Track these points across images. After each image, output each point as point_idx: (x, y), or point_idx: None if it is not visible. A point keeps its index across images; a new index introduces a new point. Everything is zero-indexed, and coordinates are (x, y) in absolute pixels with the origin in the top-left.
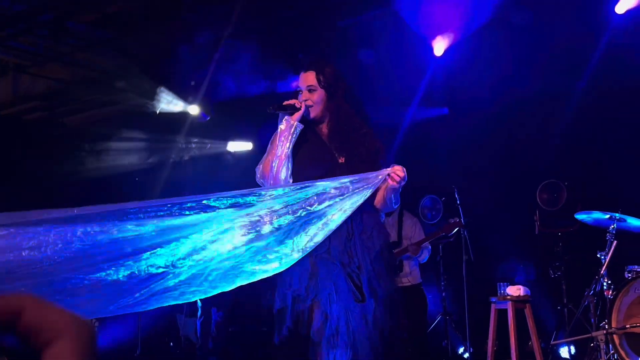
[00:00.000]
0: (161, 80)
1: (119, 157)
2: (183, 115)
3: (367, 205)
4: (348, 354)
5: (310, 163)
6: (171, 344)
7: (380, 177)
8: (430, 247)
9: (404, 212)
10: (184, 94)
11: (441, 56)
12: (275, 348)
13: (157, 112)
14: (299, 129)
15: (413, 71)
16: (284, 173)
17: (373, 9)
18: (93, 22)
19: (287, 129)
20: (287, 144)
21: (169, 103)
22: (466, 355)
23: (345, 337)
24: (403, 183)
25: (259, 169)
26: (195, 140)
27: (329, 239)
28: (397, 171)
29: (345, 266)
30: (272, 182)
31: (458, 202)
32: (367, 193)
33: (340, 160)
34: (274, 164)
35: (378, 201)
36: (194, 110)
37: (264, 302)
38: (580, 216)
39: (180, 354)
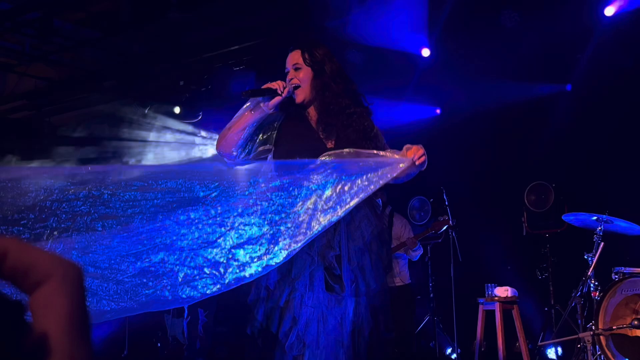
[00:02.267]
0: (149, 80)
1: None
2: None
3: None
4: None
5: (296, 149)
6: (159, 344)
7: (401, 165)
8: (420, 245)
9: (394, 213)
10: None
11: (429, 56)
12: (248, 339)
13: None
14: (261, 116)
15: (402, 72)
16: (236, 144)
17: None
18: (79, 21)
19: (256, 114)
20: (241, 126)
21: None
22: (454, 356)
23: (313, 347)
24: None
25: (217, 142)
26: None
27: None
28: (419, 154)
29: (325, 259)
30: (222, 148)
31: (446, 203)
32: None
33: (329, 145)
34: (228, 133)
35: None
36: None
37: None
38: (568, 218)
39: (168, 354)
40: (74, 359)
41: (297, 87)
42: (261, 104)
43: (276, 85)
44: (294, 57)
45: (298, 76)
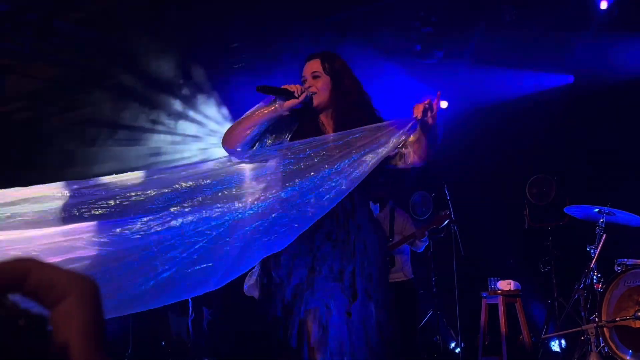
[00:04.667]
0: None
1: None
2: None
3: (358, 197)
4: None
5: None
6: (163, 342)
7: (400, 135)
8: (427, 238)
9: (395, 208)
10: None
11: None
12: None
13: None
14: (275, 116)
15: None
16: (242, 140)
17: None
18: (79, 22)
19: (269, 114)
20: (256, 122)
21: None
22: (457, 350)
23: (347, 348)
24: (435, 114)
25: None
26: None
27: (316, 240)
28: (419, 109)
29: (337, 277)
30: (227, 143)
31: (448, 197)
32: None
33: None
34: (237, 128)
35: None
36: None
37: (257, 309)
38: (570, 210)
39: (172, 352)
40: None
41: (314, 94)
42: (276, 104)
43: (294, 88)
44: (313, 66)
45: (317, 85)
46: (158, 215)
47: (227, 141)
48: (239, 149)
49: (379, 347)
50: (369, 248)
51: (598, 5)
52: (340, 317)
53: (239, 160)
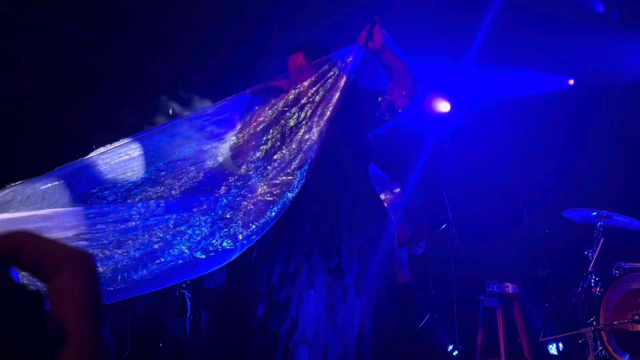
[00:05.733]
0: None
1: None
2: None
3: (358, 170)
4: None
5: None
6: (160, 344)
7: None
8: (424, 242)
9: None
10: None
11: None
12: (249, 335)
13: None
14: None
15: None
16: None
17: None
18: (78, 22)
19: (264, 109)
20: (261, 126)
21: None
22: (455, 353)
23: (316, 346)
24: (378, 37)
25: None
26: None
27: (306, 222)
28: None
29: (325, 249)
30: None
31: (446, 200)
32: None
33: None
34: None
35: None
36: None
37: (242, 285)
38: (568, 213)
39: (170, 354)
40: (90, 342)
41: None
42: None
43: (282, 83)
44: (297, 60)
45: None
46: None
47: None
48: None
49: (356, 342)
50: (370, 233)
51: (596, 8)
52: (315, 309)
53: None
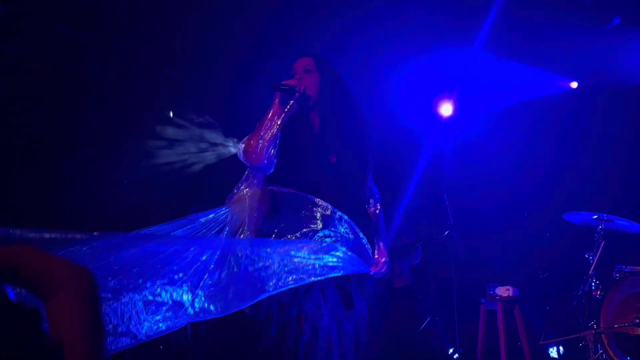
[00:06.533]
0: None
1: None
2: None
3: (355, 204)
4: None
5: (300, 158)
6: (161, 346)
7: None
8: (421, 248)
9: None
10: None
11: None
12: (260, 356)
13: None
14: (291, 111)
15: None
16: (266, 155)
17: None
18: (79, 24)
19: (280, 109)
20: (276, 126)
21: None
22: (455, 356)
23: (336, 349)
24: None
25: (241, 147)
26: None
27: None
28: (382, 269)
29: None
30: (255, 159)
31: (447, 203)
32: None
33: (332, 160)
34: (259, 144)
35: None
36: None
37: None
38: (569, 217)
39: (170, 356)
40: None
41: (305, 88)
42: (290, 102)
43: (294, 82)
44: (306, 61)
45: (308, 79)
46: None
47: (252, 158)
48: (265, 162)
49: (369, 348)
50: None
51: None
52: (330, 319)
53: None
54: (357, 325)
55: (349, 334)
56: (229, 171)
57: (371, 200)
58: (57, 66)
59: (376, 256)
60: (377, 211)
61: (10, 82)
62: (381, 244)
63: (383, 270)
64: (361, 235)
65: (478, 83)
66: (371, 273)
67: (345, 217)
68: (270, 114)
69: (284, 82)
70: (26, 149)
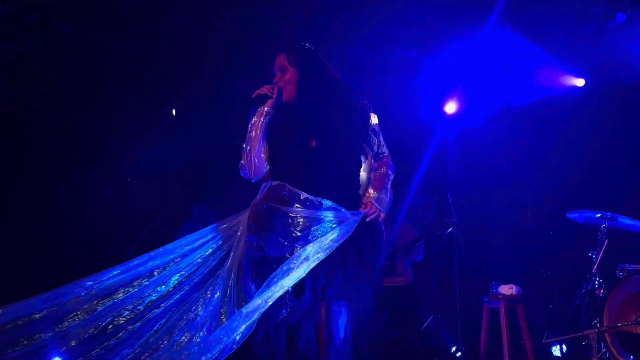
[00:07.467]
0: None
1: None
2: None
3: (339, 187)
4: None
5: (282, 149)
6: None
7: (355, 217)
8: (424, 246)
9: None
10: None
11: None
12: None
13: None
14: (267, 118)
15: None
16: (258, 163)
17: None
18: (82, 23)
19: (257, 120)
20: (258, 135)
21: None
22: (458, 354)
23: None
24: (382, 213)
25: (241, 164)
26: None
27: (313, 273)
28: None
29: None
30: (253, 174)
31: (450, 201)
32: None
33: (311, 144)
34: (249, 158)
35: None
36: None
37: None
38: (572, 215)
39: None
40: None
41: (281, 88)
42: (265, 108)
43: (265, 89)
44: (280, 60)
45: (284, 78)
46: None
47: (252, 173)
48: (264, 172)
49: (371, 347)
50: (365, 271)
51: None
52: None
53: None
54: (330, 325)
55: (334, 339)
56: (230, 171)
57: (376, 166)
58: (60, 65)
59: (363, 200)
60: (379, 171)
61: (13, 81)
62: (371, 190)
63: (372, 211)
64: (344, 210)
65: (482, 82)
66: (362, 213)
67: (328, 201)
68: (252, 130)
69: (255, 94)
70: (27, 149)
